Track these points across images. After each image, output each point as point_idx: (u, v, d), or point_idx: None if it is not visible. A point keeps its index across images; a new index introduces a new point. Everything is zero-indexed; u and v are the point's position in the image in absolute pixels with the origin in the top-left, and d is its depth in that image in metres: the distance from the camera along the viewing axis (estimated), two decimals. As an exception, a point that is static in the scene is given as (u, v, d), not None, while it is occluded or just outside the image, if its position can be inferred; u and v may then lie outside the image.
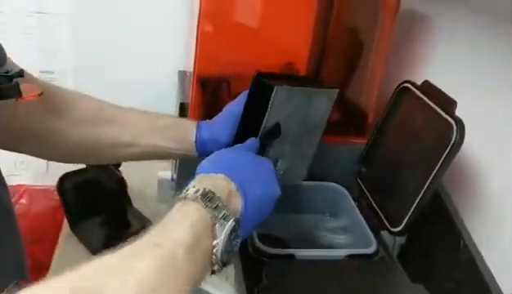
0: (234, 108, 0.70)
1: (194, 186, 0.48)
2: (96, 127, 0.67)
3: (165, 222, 0.44)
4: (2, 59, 0.53)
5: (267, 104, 0.64)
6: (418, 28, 0.94)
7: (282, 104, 0.65)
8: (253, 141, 0.63)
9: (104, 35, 1.17)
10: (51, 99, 0.64)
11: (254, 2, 0.90)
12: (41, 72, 1.15)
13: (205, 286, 0.86)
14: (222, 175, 0.52)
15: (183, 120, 0.73)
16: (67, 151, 0.67)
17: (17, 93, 0.44)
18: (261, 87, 0.66)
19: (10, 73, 0.42)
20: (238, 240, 0.47)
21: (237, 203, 0.51)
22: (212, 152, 0.63)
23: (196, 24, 0.85)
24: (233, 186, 0.51)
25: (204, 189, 0.47)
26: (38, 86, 0.52)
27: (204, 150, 0.69)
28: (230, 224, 0.46)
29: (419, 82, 0.75)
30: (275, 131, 0.66)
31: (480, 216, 0.72)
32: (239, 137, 0.67)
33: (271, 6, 0.89)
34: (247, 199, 0.52)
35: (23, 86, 0.44)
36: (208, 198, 0.46)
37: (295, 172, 0.72)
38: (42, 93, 0.52)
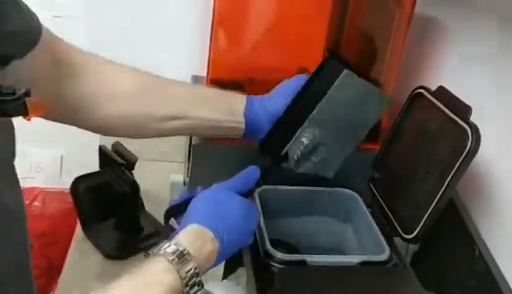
0: (292, 82, 0.70)
1: (177, 247, 0.52)
2: (142, 101, 0.67)
3: (143, 282, 0.49)
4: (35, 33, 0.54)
5: (332, 83, 0.64)
6: (432, 32, 0.94)
7: (343, 90, 0.65)
8: (253, 172, 0.64)
9: (117, 39, 1.17)
10: (93, 72, 0.65)
11: (268, 6, 0.90)
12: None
13: (216, 290, 0.85)
14: (211, 235, 0.55)
15: (231, 92, 0.72)
16: (109, 124, 0.67)
17: (23, 112, 0.44)
18: (330, 66, 0.67)
19: (16, 94, 0.43)
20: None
21: (211, 262, 0.56)
22: (262, 127, 0.68)
23: (210, 28, 0.85)
24: (216, 247, 0.56)
25: (188, 252, 0.51)
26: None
27: (253, 123, 0.69)
28: (197, 289, 0.51)
29: (433, 88, 0.74)
30: (278, 160, 0.67)
31: (496, 224, 0.71)
32: (290, 113, 0.67)
33: (284, 11, 0.89)
34: (220, 253, 0.56)
35: (31, 103, 0.45)
36: (187, 265, 0.51)
37: (329, 165, 0.71)
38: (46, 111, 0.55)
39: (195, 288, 0.51)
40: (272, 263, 0.65)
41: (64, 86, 0.62)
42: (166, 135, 0.73)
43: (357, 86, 0.67)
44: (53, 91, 0.61)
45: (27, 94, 0.45)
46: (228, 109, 0.69)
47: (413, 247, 0.84)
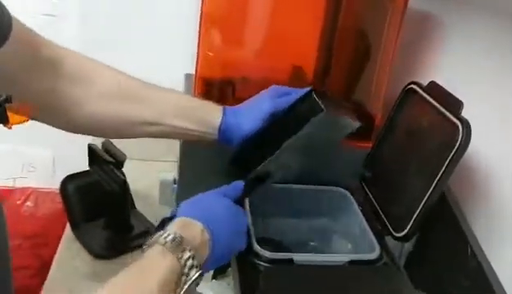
0: (263, 104, 0.71)
1: (169, 234, 0.52)
2: (120, 103, 0.68)
3: (142, 268, 0.50)
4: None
5: (309, 120, 0.67)
6: (427, 28, 0.92)
7: (320, 128, 0.68)
8: (238, 185, 0.65)
9: (111, 37, 1.16)
10: (71, 68, 0.64)
11: (259, 3, 0.89)
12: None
13: (206, 291, 0.84)
14: (200, 225, 0.55)
15: (208, 103, 0.73)
16: (86, 124, 0.67)
17: (4, 119, 0.43)
18: (311, 103, 0.71)
19: None
20: (196, 286, 0.52)
21: (205, 253, 0.55)
22: (233, 139, 0.69)
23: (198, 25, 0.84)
24: (206, 237, 0.55)
25: (181, 236, 0.52)
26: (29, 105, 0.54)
27: (226, 136, 0.70)
28: (194, 275, 0.51)
29: (426, 83, 0.72)
30: (263, 178, 0.68)
31: (489, 221, 0.69)
32: (265, 136, 0.70)
33: (277, 9, 0.88)
34: (214, 251, 0.56)
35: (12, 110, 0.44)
36: (181, 248, 0.51)
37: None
38: (28, 119, 0.55)
39: (194, 270, 0.51)
40: (259, 261, 0.63)
41: (41, 83, 0.61)
42: (144, 137, 0.73)
43: (334, 123, 0.71)
44: (30, 89, 0.60)
45: (7, 100, 0.43)
46: (203, 121, 0.70)
47: (408, 247, 0.83)
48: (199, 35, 0.83)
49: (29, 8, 1.07)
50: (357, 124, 0.71)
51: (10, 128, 0.47)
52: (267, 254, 0.64)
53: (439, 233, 0.77)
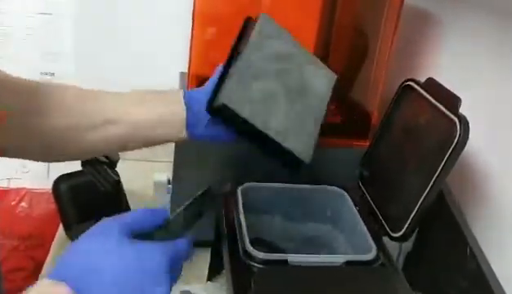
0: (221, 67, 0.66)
1: None
2: (76, 113, 0.63)
3: None
4: None
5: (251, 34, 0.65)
6: (424, 26, 0.91)
7: (265, 41, 0.66)
8: (162, 211, 0.50)
9: (105, 36, 1.15)
10: (32, 101, 0.61)
11: (254, 1, 0.87)
12: (41, 73, 1.14)
13: (201, 292, 0.82)
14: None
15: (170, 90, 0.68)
16: (46, 147, 0.63)
17: None
18: (248, 23, 0.68)
19: None
20: None
21: None
22: (202, 113, 0.62)
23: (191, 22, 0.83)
24: None
25: None
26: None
27: (194, 106, 0.64)
28: None
29: (423, 80, 0.71)
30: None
31: (488, 221, 0.68)
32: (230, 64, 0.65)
33: (273, 6, 0.87)
34: None
35: None
36: None
37: (298, 142, 0.66)
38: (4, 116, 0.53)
39: None
40: (252, 263, 0.62)
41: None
42: (99, 150, 0.70)
43: (282, 38, 0.69)
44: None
45: None
46: (166, 101, 0.64)
47: (406, 248, 0.81)
48: (192, 32, 0.81)
49: (27, 8, 1.07)
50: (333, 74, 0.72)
51: None
52: (260, 255, 0.62)
53: (438, 233, 0.76)
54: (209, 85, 0.65)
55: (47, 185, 1.22)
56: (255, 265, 0.62)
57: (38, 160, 0.69)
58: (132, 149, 0.68)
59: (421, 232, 0.77)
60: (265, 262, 0.62)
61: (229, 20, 0.85)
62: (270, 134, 0.63)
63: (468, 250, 0.65)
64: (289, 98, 0.66)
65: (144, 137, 0.65)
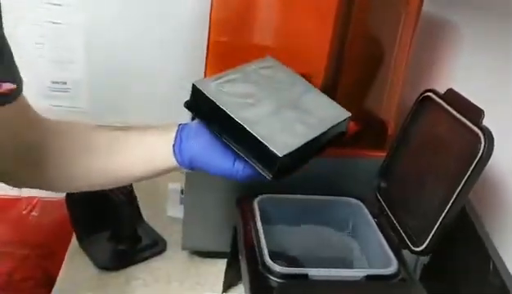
0: None
1: None
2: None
3: None
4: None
5: None
6: (440, 34, 0.90)
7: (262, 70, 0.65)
8: None
9: (117, 45, 1.15)
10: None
11: (269, 12, 0.87)
12: (53, 82, 1.14)
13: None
14: None
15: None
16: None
17: None
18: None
19: None
20: None
21: None
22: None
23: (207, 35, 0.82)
24: None
25: None
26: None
27: (182, 132, 0.63)
28: None
29: (441, 91, 0.70)
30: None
31: (509, 234, 0.67)
32: None
33: (286, 17, 0.86)
34: None
35: None
36: None
37: (273, 135, 0.57)
38: (15, 89, 0.54)
39: None
40: (271, 277, 0.61)
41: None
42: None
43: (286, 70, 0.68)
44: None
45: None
46: (161, 130, 0.65)
47: (423, 260, 0.80)
48: (208, 44, 0.81)
49: (39, 18, 1.07)
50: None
51: None
52: (280, 269, 0.61)
53: (457, 246, 0.75)
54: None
55: (58, 194, 1.22)
56: (275, 279, 0.61)
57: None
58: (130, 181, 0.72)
59: (439, 244, 0.76)
60: (285, 276, 0.61)
61: (244, 30, 0.85)
62: (236, 118, 0.56)
63: (491, 265, 0.64)
64: (277, 105, 0.61)
65: (138, 164, 0.65)
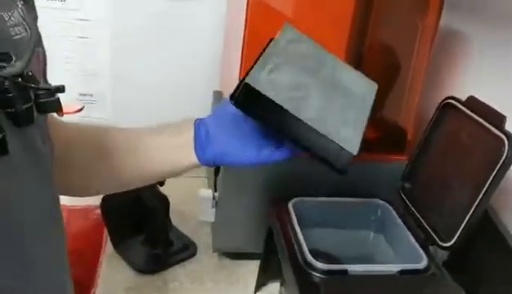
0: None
1: None
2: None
3: None
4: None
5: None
6: (456, 43, 0.95)
7: (290, 44, 0.64)
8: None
9: (141, 58, 1.20)
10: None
11: (292, 20, 0.91)
12: (80, 94, 1.18)
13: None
14: None
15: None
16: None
17: (58, 107, 0.45)
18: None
19: (52, 88, 0.44)
20: None
21: None
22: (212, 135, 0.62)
23: (237, 42, 0.87)
24: None
25: None
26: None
27: (201, 128, 0.63)
28: None
29: (459, 97, 0.75)
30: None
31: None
32: None
33: (302, 27, 0.91)
34: None
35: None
36: None
37: (339, 131, 0.57)
38: (83, 107, 0.53)
39: None
40: (315, 273, 0.66)
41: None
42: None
43: (306, 40, 0.67)
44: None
45: (61, 90, 0.45)
46: (177, 128, 0.66)
47: (442, 257, 0.85)
48: (242, 55, 0.85)
49: (66, 32, 1.11)
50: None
51: (61, 116, 0.49)
52: (322, 265, 0.66)
53: (474, 242, 0.80)
54: (214, 115, 0.66)
55: (84, 202, 1.26)
56: (318, 275, 0.66)
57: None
58: (151, 180, 0.72)
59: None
60: (327, 272, 0.66)
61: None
62: (303, 119, 0.55)
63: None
64: (323, 91, 0.61)
65: (157, 164, 0.66)
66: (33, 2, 0.50)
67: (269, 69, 0.58)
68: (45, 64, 0.53)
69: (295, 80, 0.60)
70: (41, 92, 0.43)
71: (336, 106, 0.61)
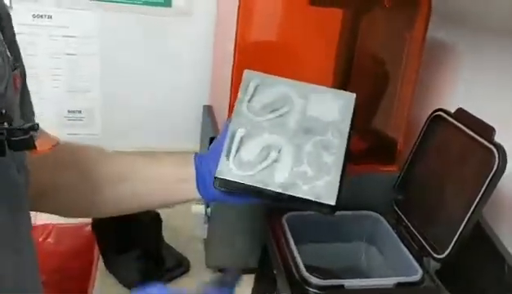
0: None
1: None
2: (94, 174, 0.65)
3: None
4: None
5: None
6: (446, 55, 0.96)
7: (251, 97, 0.65)
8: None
9: (130, 74, 1.19)
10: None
11: (281, 42, 0.92)
12: (69, 111, 1.17)
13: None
14: None
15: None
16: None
17: (32, 145, 0.44)
18: None
19: (25, 127, 0.44)
20: None
21: None
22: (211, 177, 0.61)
23: (227, 56, 0.87)
24: None
25: None
26: (52, 138, 0.54)
27: (204, 170, 0.65)
28: None
29: (449, 109, 0.76)
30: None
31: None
32: None
33: (290, 40, 0.91)
34: None
35: (38, 139, 0.46)
36: None
37: (314, 186, 0.61)
38: (56, 144, 0.53)
39: None
40: (311, 289, 0.66)
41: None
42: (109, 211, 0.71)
43: (270, 81, 0.67)
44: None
45: (34, 128, 0.45)
46: (177, 161, 0.68)
47: (435, 267, 0.86)
48: (233, 71, 0.85)
49: (54, 50, 1.11)
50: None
51: (36, 154, 0.49)
52: (318, 281, 0.66)
53: (469, 251, 0.80)
54: (213, 152, 0.65)
55: (75, 219, 1.25)
56: (315, 291, 0.66)
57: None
58: (148, 208, 0.73)
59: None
60: (323, 288, 0.66)
61: (270, 54, 0.90)
62: (274, 190, 0.60)
63: (506, 266, 0.70)
64: (294, 143, 0.63)
65: (156, 195, 0.68)
66: (9, 20, 0.50)
67: (236, 148, 0.62)
68: (24, 78, 0.53)
69: (264, 144, 0.63)
70: (14, 131, 0.43)
71: (310, 155, 0.63)
